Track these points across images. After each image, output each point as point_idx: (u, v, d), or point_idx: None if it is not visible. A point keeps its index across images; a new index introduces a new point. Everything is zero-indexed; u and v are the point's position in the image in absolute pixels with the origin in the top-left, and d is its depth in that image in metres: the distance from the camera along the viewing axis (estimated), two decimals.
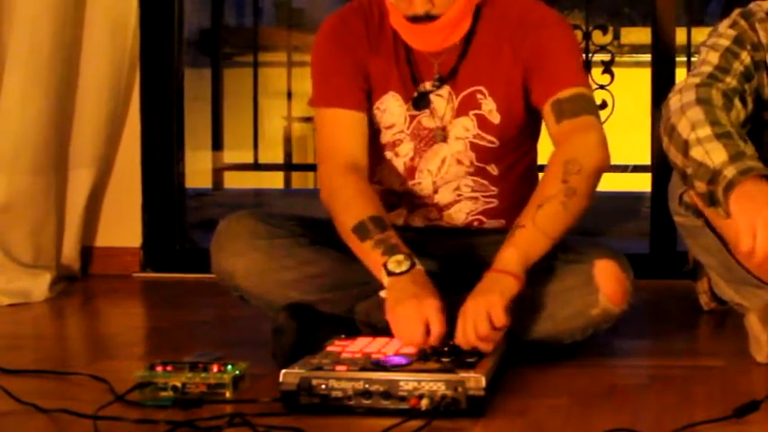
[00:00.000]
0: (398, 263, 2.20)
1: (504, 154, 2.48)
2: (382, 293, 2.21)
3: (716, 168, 2.21)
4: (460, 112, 2.45)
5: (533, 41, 2.40)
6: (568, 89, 2.36)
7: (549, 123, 2.38)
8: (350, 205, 2.32)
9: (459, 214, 2.50)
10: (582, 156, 2.27)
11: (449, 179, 2.48)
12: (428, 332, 2.11)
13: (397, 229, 2.31)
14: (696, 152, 2.25)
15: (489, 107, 2.44)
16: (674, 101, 2.37)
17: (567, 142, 2.30)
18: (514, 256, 2.18)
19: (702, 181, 2.24)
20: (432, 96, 2.46)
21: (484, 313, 2.10)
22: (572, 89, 2.36)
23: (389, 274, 2.19)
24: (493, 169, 2.49)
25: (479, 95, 2.44)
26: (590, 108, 2.37)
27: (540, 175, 2.44)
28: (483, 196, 2.49)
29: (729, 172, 2.19)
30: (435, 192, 2.49)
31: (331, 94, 2.45)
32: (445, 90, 2.45)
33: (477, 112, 2.45)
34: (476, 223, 2.51)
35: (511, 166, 2.51)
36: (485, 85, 2.44)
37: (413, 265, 2.20)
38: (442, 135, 2.46)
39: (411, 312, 2.12)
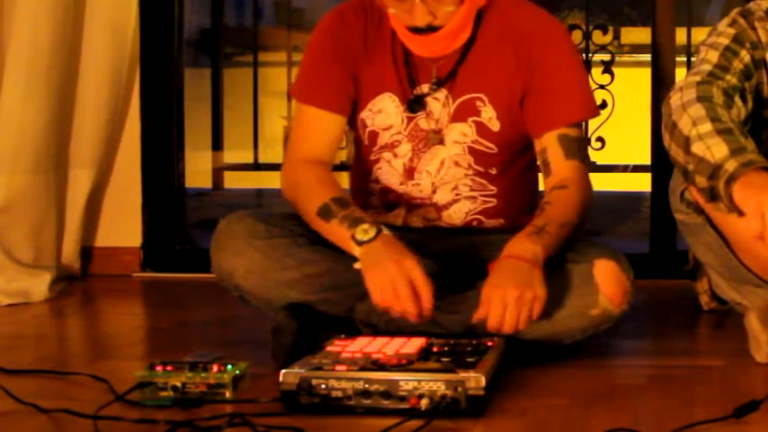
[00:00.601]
0: (365, 231, 2.24)
1: (503, 157, 2.48)
2: (357, 265, 2.23)
3: (717, 163, 2.21)
4: (457, 117, 2.45)
5: (540, 60, 2.41)
6: (575, 128, 2.43)
7: (552, 152, 2.41)
8: (312, 192, 2.36)
9: (458, 214, 2.50)
10: (588, 202, 2.39)
11: (447, 180, 2.47)
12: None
13: (396, 230, 2.32)
14: (697, 148, 2.26)
15: (489, 115, 2.44)
16: (674, 99, 2.37)
17: (583, 186, 2.39)
18: (543, 253, 2.22)
19: (703, 176, 2.24)
20: (428, 99, 2.45)
21: (528, 305, 2.14)
22: (577, 130, 2.43)
23: (359, 243, 2.21)
24: (492, 169, 2.48)
25: (479, 103, 2.44)
26: (587, 155, 2.51)
27: (540, 175, 2.46)
28: (482, 195, 2.49)
29: (731, 165, 2.19)
30: (434, 192, 2.49)
31: (313, 92, 2.47)
32: (442, 93, 2.45)
33: (476, 119, 2.45)
34: (475, 223, 2.51)
35: (510, 166, 2.51)
36: (485, 92, 2.44)
37: (379, 231, 2.23)
38: (437, 138, 2.46)
39: (394, 276, 2.15)
